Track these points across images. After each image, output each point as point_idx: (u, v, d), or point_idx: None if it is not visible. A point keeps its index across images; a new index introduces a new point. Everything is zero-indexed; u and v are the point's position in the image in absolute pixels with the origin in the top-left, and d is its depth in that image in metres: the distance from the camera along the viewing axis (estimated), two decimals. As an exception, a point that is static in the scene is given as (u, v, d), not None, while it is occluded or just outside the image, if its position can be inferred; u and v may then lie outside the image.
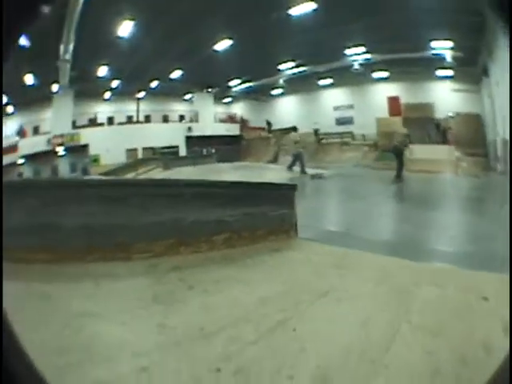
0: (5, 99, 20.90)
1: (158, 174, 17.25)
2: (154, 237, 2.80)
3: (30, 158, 21.95)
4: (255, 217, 3.33)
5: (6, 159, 20.79)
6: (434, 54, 15.82)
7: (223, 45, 17.06)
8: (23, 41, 14.46)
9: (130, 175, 17.19)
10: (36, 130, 23.24)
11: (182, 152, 23.71)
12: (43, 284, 2.27)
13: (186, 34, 15.22)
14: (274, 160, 20.00)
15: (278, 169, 14.98)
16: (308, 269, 2.98)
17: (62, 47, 16.05)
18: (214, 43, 17.03)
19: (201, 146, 23.72)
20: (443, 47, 15.17)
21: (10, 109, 22.75)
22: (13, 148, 21.38)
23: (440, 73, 17.16)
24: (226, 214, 3.26)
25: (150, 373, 1.55)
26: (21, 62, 16.16)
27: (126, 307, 2.14)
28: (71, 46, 15.97)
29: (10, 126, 22.73)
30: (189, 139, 23.80)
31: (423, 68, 17.54)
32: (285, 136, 21.53)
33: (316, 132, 22.01)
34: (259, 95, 25.96)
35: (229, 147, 23.22)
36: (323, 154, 19.03)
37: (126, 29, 14.91)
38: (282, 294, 2.38)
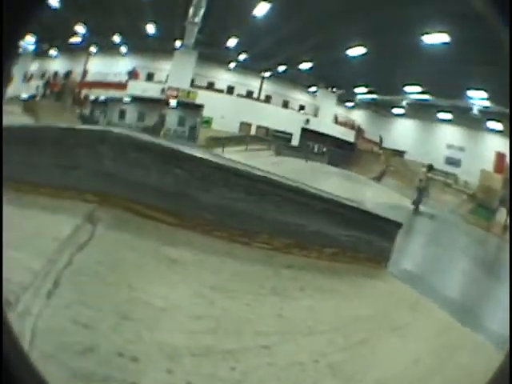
0: (118, 39, 28.81)
1: (268, 156, 22.03)
2: (277, 233, 3.71)
3: (138, 100, 29.07)
4: (362, 242, 4.31)
5: (112, 93, 28.85)
6: None
7: (356, 51, 22.31)
8: None
9: (239, 148, 22.68)
10: (150, 77, 30.59)
11: (295, 141, 29.75)
12: (172, 249, 2.96)
13: (323, 31, 20.26)
14: (379, 179, 24.87)
15: (387, 191, 18.78)
16: (390, 301, 3.96)
17: (191, 9, 20.00)
18: (349, 47, 22.27)
19: (313, 141, 29.71)
20: None
21: (123, 49, 30.63)
22: (122, 85, 28.95)
23: None
24: (341, 232, 4.48)
25: (271, 350, 2.36)
26: (145, 9, 22.00)
27: (250, 290, 2.93)
28: (202, 11, 20.14)
29: (122, 65, 30.60)
30: (304, 131, 29.77)
31: None
32: (395, 157, 26.95)
33: (430, 168, 26.60)
34: (380, 109, 32.30)
35: (340, 151, 28.53)
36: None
37: (261, 9, 18.88)
38: (368, 317, 3.32)
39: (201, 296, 2.64)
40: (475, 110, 24.15)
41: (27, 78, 23.95)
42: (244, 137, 26.27)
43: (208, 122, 28.48)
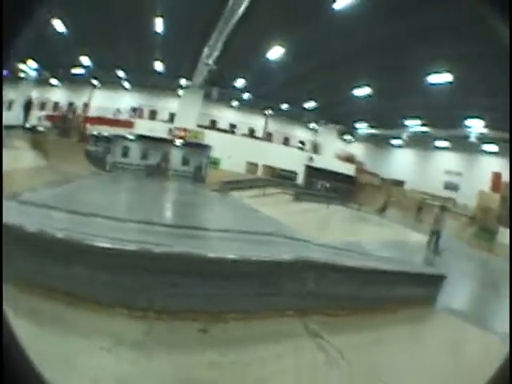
0: (122, 74, 30.19)
1: (289, 202, 22.60)
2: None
3: (142, 138, 30.50)
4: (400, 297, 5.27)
5: (117, 131, 30.05)
6: None
7: (362, 91, 24.36)
8: (159, 27, 19.71)
9: (256, 192, 23.70)
10: (153, 115, 32.33)
11: (299, 179, 31.92)
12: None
13: (331, 72, 21.87)
14: (383, 210, 27.08)
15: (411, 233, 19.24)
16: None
17: (206, 50, 20.45)
18: (355, 87, 24.23)
19: (317, 178, 31.93)
20: None
21: (126, 85, 32.34)
22: (129, 123, 30.23)
23: None
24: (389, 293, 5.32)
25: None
26: (156, 46, 22.72)
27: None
28: (216, 53, 20.52)
29: (125, 101, 32.34)
30: (307, 168, 32.06)
31: None
32: (395, 188, 29.58)
33: (443, 209, 28.83)
34: (379, 141, 35.53)
35: (342, 185, 30.47)
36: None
37: (275, 53, 19.79)
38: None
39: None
40: (472, 138, 26.69)
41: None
42: (258, 180, 27.45)
43: (216, 163, 30.18)
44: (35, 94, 28.13)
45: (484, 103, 19.79)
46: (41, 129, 23.74)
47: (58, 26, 20.21)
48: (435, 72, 18.65)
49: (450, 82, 18.85)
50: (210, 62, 21.79)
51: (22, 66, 26.35)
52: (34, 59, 26.64)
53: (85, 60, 26.57)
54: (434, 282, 6.00)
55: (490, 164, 27.16)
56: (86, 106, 30.46)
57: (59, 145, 20.48)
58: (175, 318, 3.61)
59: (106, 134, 29.29)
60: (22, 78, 27.86)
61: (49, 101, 30.60)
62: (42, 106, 29.37)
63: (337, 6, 15.13)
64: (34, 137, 19.30)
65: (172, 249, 4.11)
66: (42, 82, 29.43)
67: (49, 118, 26.64)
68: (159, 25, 19.46)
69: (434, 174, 30.87)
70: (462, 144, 28.50)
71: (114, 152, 30.04)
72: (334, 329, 4.07)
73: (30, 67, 27.64)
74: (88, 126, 27.47)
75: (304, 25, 17.11)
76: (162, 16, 18.77)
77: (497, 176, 26.05)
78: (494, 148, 26.78)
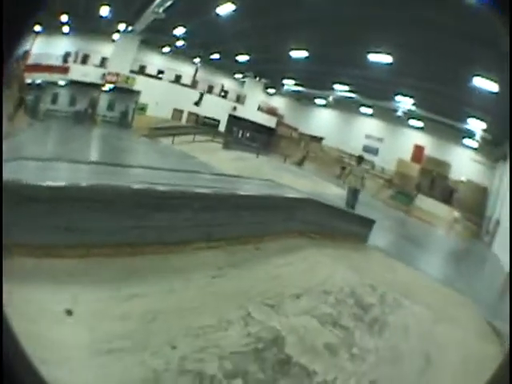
0: (65, 19, 28.12)
1: (219, 150, 23.22)
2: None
3: (72, 84, 28.92)
4: (344, 229, 7.16)
5: (50, 77, 28.27)
6: (467, 129, 23.48)
7: (299, 54, 24.76)
8: None
9: (184, 138, 24.25)
10: (85, 59, 30.46)
11: (221, 127, 32.77)
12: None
13: (272, 32, 22.00)
14: (300, 163, 29.11)
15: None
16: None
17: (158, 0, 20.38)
18: (292, 49, 24.62)
19: (239, 127, 33.20)
20: (477, 126, 22.09)
21: (65, 29, 30.19)
22: (65, 69, 28.85)
23: (466, 141, 25.29)
24: (338, 224, 7.11)
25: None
26: None
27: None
28: (168, 3, 20.48)
29: (62, 47, 30.22)
30: (230, 117, 33.00)
31: (454, 131, 24.77)
32: (313, 143, 31.65)
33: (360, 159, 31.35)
34: (302, 98, 36.62)
35: (262, 136, 31.90)
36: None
37: (225, 9, 20.03)
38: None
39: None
40: (400, 112, 28.60)
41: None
42: (186, 127, 28.73)
43: (143, 108, 30.25)
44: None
45: (418, 85, 21.19)
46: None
47: None
48: (376, 52, 19.54)
49: (389, 63, 19.75)
50: (161, 10, 21.66)
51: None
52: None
53: None
54: (367, 223, 8.20)
55: (414, 137, 29.92)
56: (26, 53, 27.81)
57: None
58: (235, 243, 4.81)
59: (38, 81, 27.94)
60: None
61: None
62: None
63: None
64: None
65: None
66: None
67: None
68: None
69: (354, 136, 32.86)
70: (387, 115, 30.56)
71: (46, 100, 28.51)
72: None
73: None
74: (26, 74, 26.12)
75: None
76: None
77: (419, 148, 28.55)
78: (419, 123, 28.54)
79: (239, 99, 35.15)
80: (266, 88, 36.81)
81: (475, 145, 25.07)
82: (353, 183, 12.48)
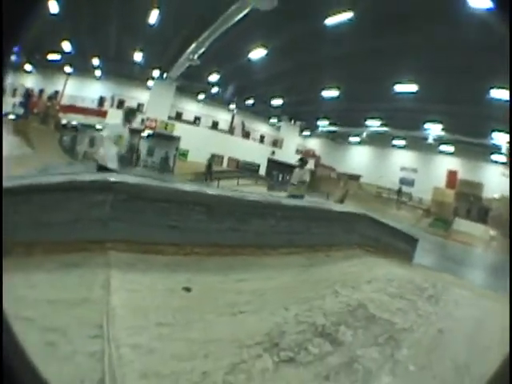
0: (98, 62, 29.62)
1: (263, 191, 23.89)
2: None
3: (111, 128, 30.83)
4: (394, 246, 7.40)
5: (86, 120, 29.32)
6: (493, 144, 24.37)
7: (331, 93, 26.39)
8: (152, 19, 19.63)
9: (230, 182, 24.53)
10: (121, 104, 30.91)
11: (261, 172, 33.78)
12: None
13: (305, 74, 23.32)
14: (341, 201, 29.33)
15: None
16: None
17: (193, 46, 20.98)
18: (324, 89, 26.21)
19: (278, 171, 33.61)
20: (502, 139, 22.83)
21: (98, 73, 31.90)
22: (103, 113, 30.06)
23: (494, 157, 25.94)
24: (388, 240, 7.41)
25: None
26: (144, 35, 22.49)
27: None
28: (201, 50, 21.30)
29: (95, 90, 32.15)
30: (269, 162, 34.18)
31: (482, 149, 26.03)
32: (352, 182, 32.04)
33: (399, 190, 30.81)
34: (337, 137, 37.94)
35: None
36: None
37: (258, 54, 21.10)
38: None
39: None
40: (430, 139, 29.75)
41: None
42: (229, 171, 29.35)
43: (185, 154, 31.34)
44: (8, 79, 27.26)
45: (443, 109, 22.04)
46: (14, 116, 23.51)
47: (52, 5, 19.23)
48: (402, 82, 20.65)
49: (414, 92, 20.82)
50: (195, 57, 22.40)
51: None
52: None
53: (66, 45, 25.88)
54: (412, 242, 8.53)
55: (446, 163, 30.94)
56: (57, 93, 29.69)
57: (39, 132, 20.26)
58: (310, 250, 5.27)
59: (74, 122, 29.34)
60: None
61: (20, 87, 29.62)
62: (14, 92, 28.78)
63: (329, 21, 17.16)
64: (17, 123, 19.03)
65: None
66: (17, 66, 28.88)
67: (28, 104, 25.86)
68: (154, 16, 19.61)
69: (389, 170, 33.85)
70: (419, 144, 31.47)
71: (83, 141, 29.67)
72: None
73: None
74: (62, 114, 27.34)
75: (292, 31, 18.89)
76: (158, 7, 19.20)
77: (452, 174, 30.11)
78: (450, 148, 29.66)
79: (276, 143, 36.30)
80: (302, 131, 38.01)
81: (503, 159, 25.30)
82: None
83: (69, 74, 30.30)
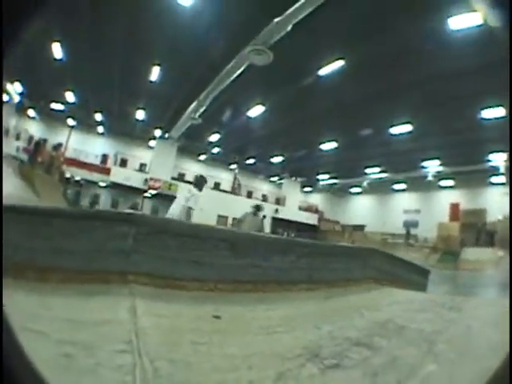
0: (100, 117, 30.46)
1: None
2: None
3: (113, 186, 30.85)
4: (407, 278, 7.42)
5: (90, 176, 30.22)
6: (491, 167, 24.52)
7: (329, 146, 27.32)
8: (154, 76, 19.92)
9: None
10: (124, 163, 32.72)
11: (267, 229, 33.28)
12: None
13: (302, 131, 24.62)
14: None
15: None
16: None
17: (194, 104, 21.57)
18: (322, 143, 27.19)
19: (283, 228, 34.09)
20: (499, 159, 23.14)
21: (100, 129, 32.89)
22: (107, 170, 30.70)
23: (494, 179, 26.20)
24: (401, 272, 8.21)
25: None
26: (146, 94, 23.30)
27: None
28: (202, 109, 21.82)
29: (98, 146, 32.90)
30: (273, 220, 33.93)
31: (480, 175, 26.94)
32: (356, 232, 32.00)
33: (408, 232, 30.96)
34: (338, 190, 38.54)
35: (305, 234, 32.42)
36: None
37: (256, 111, 21.96)
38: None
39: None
40: (429, 177, 30.01)
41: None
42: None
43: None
44: (12, 121, 27.36)
45: (439, 144, 22.84)
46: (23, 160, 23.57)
47: (56, 50, 19.38)
48: (396, 124, 21.45)
49: (410, 132, 21.63)
50: (196, 116, 22.94)
51: (8, 86, 24.53)
52: (21, 82, 25.28)
53: (69, 96, 26.32)
54: (423, 273, 8.71)
55: (447, 197, 31.30)
56: (61, 145, 30.15)
57: (44, 181, 20.32)
58: (328, 286, 5.31)
59: (78, 177, 29.69)
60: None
61: (25, 132, 29.88)
62: (17, 137, 28.19)
63: (322, 72, 17.73)
64: (22, 168, 19.18)
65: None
66: (21, 109, 28.58)
67: (35, 152, 26.40)
68: (155, 73, 20.03)
69: (392, 215, 34.31)
70: (419, 183, 31.83)
71: (86, 197, 30.48)
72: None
73: (15, 90, 26.11)
74: (65, 166, 27.60)
75: (287, 86, 19.51)
76: (159, 65, 19.77)
77: (455, 206, 30.42)
78: (450, 182, 30.61)
79: (279, 201, 36.76)
80: (303, 187, 38.91)
81: (503, 180, 25.72)
82: None
83: (72, 127, 30.80)
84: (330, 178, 35.97)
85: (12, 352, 0.82)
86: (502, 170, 24.46)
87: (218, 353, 2.09)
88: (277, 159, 32.24)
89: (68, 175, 27.23)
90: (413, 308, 4.53)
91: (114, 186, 29.80)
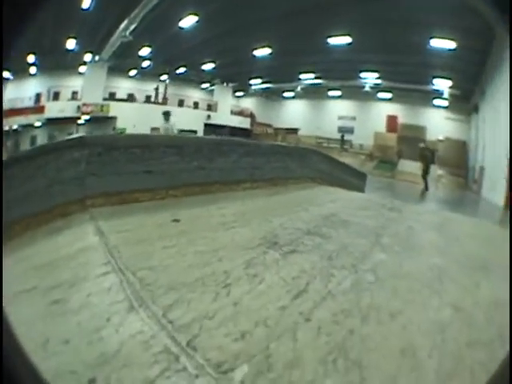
0: (32, 59, 27.70)
1: None
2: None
3: (48, 123, 28.89)
4: (344, 179, 8.28)
5: (26, 120, 28.19)
6: (434, 89, 24.94)
7: (263, 52, 26.25)
8: (85, 3, 19.01)
9: None
10: (56, 97, 30.69)
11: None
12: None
13: (234, 36, 23.09)
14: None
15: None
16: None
17: (125, 23, 20.66)
18: (255, 48, 25.96)
19: (216, 134, 33.42)
20: (443, 85, 23.69)
21: (32, 70, 29.90)
22: (40, 109, 28.72)
23: (436, 102, 26.84)
24: (339, 174, 8.34)
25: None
26: (74, 21, 21.62)
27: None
28: (133, 26, 20.84)
29: (31, 88, 30.33)
30: (206, 126, 33.85)
31: (422, 95, 26.52)
32: (290, 135, 32.43)
33: (342, 138, 31.58)
34: (271, 94, 37.86)
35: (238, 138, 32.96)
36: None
37: (188, 22, 20.89)
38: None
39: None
40: (367, 88, 30.09)
41: None
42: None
43: (122, 132, 30.00)
44: None
45: (380, 60, 22.54)
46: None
47: None
48: (335, 35, 20.79)
49: (349, 43, 21.02)
50: (128, 34, 21.85)
51: None
52: None
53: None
54: (361, 176, 9.62)
55: (384, 108, 31.37)
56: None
57: None
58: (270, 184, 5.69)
59: (15, 126, 27.92)
60: None
61: None
62: None
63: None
64: None
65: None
66: None
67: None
68: (87, 1, 19.04)
69: (327, 120, 34.23)
70: (355, 93, 31.74)
71: (25, 143, 28.41)
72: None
73: None
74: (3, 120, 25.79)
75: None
76: None
77: (392, 118, 30.75)
78: (387, 95, 30.62)
79: (211, 107, 36.01)
80: (235, 92, 37.84)
81: (446, 103, 26.47)
82: None
83: (7, 80, 28.08)
84: (262, 83, 34.80)
85: (12, 352, 0.80)
86: (446, 95, 24.99)
87: (189, 252, 2.25)
88: (208, 66, 30.89)
89: (6, 128, 26.03)
90: (354, 206, 4.84)
91: (49, 121, 28.24)
